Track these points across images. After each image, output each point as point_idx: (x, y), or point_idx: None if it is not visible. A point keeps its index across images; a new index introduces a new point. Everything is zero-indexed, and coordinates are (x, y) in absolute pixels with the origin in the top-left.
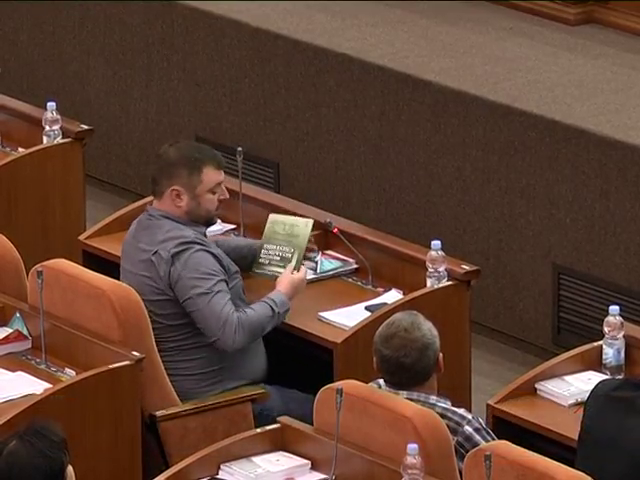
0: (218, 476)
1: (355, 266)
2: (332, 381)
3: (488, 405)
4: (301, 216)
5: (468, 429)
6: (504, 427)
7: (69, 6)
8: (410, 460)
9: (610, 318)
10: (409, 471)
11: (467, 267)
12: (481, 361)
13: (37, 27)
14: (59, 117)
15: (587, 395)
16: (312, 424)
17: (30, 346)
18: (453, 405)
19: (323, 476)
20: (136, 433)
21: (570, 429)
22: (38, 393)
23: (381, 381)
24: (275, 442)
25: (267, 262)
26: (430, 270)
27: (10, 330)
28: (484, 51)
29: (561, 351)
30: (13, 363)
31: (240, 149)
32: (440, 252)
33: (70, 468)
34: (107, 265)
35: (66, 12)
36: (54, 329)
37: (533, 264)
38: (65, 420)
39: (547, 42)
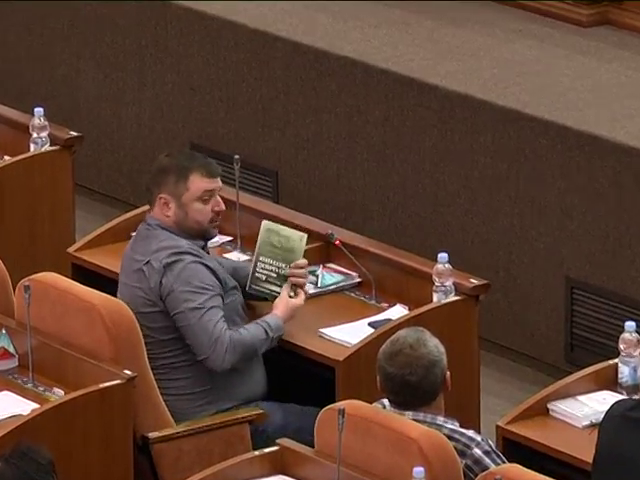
0: None
1: (358, 280)
2: (334, 401)
3: (498, 426)
4: (301, 228)
5: (477, 452)
6: (515, 449)
7: (58, 6)
8: None
9: (626, 335)
10: None
11: (475, 281)
12: (490, 380)
13: (25, 28)
14: (47, 123)
15: (602, 416)
16: (312, 437)
17: (17, 364)
18: (461, 426)
19: None
20: (128, 455)
21: (584, 452)
22: (25, 414)
23: (385, 401)
24: (274, 465)
25: (264, 278)
26: (437, 284)
27: None
28: (492, 54)
29: (574, 369)
30: None
31: (237, 157)
32: (447, 265)
33: None
34: (98, 279)
35: (55, 12)
36: (42, 346)
37: (545, 277)
38: (53, 442)
39: (558, 44)
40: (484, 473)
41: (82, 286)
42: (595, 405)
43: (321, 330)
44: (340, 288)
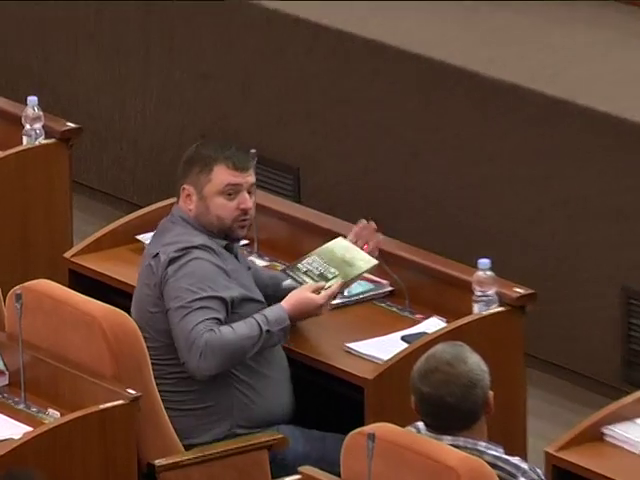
0: None
1: (389, 289)
2: (362, 424)
3: (547, 453)
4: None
5: None
6: (566, 479)
7: None
8: None
9: None
10: None
11: (521, 290)
12: (538, 401)
13: (18, 11)
14: (41, 114)
15: None
16: (336, 468)
17: (7, 382)
18: (506, 453)
19: None
20: None
21: None
22: (16, 438)
23: (420, 424)
24: None
25: (304, 270)
26: (477, 294)
27: None
28: (539, 38)
29: (632, 389)
30: None
31: (253, 151)
32: (489, 273)
33: None
34: (97, 287)
35: None
36: (35, 362)
37: (598, 287)
38: (48, 470)
39: (615, 27)
40: None
41: (80, 295)
42: None
43: (348, 345)
44: (369, 297)
